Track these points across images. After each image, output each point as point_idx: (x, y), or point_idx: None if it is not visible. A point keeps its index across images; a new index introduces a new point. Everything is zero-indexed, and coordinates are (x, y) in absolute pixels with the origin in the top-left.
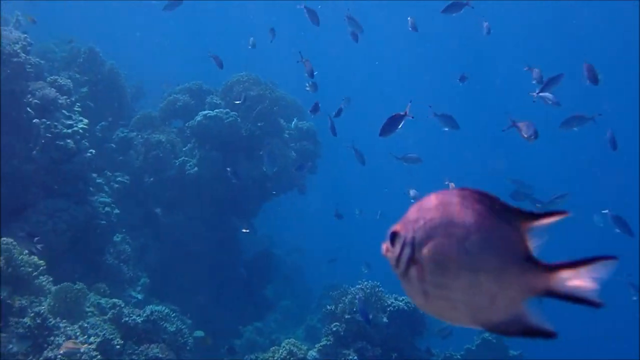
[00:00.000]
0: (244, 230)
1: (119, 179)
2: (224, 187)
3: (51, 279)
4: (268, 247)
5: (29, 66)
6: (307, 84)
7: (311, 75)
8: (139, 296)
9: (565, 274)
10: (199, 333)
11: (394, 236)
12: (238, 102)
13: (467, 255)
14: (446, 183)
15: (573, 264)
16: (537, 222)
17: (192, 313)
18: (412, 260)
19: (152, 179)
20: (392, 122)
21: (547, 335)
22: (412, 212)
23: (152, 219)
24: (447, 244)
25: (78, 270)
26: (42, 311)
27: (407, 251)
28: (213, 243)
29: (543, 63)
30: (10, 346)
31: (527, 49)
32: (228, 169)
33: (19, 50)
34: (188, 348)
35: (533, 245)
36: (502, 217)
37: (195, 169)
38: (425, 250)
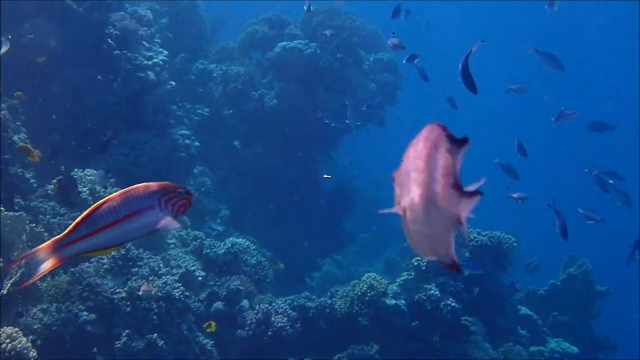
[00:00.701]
0: (326, 176)
1: (199, 111)
2: (302, 119)
3: None
4: (347, 179)
5: None
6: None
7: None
8: (220, 228)
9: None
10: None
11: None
12: (328, 33)
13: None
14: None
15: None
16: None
17: (272, 245)
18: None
19: (231, 112)
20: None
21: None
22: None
23: (231, 152)
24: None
25: None
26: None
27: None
28: (292, 175)
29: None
30: (105, 282)
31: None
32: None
33: None
34: (268, 280)
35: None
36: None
37: (275, 101)
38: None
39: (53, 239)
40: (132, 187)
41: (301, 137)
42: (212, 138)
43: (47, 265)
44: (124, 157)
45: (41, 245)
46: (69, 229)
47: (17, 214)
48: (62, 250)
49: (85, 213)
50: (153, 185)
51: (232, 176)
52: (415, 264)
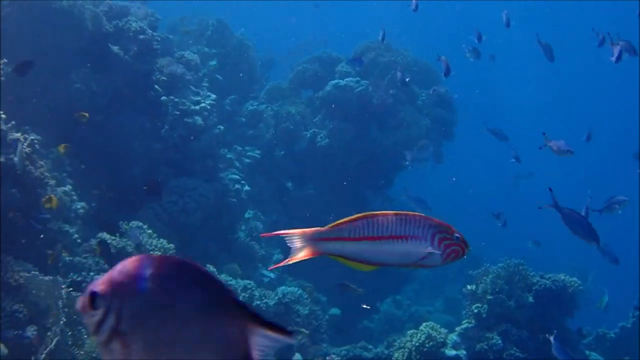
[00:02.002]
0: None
1: (250, 153)
2: (355, 158)
3: None
4: None
5: (156, 42)
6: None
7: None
8: (272, 275)
9: None
10: (335, 311)
11: (94, 296)
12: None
13: (182, 345)
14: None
15: None
16: (263, 330)
17: (327, 289)
18: (116, 331)
19: (282, 152)
20: None
21: None
22: (122, 271)
23: (284, 194)
24: (162, 327)
25: (211, 249)
26: None
27: (110, 321)
28: (345, 216)
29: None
30: None
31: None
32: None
33: (145, 27)
34: (322, 330)
35: (259, 344)
36: (225, 309)
37: (326, 140)
38: (134, 327)
39: (314, 228)
40: (409, 212)
41: (354, 176)
42: (263, 180)
43: (302, 252)
44: (172, 204)
45: (303, 229)
46: (331, 224)
47: (52, 278)
48: (318, 243)
49: (352, 217)
50: (432, 218)
51: (285, 219)
52: (476, 311)
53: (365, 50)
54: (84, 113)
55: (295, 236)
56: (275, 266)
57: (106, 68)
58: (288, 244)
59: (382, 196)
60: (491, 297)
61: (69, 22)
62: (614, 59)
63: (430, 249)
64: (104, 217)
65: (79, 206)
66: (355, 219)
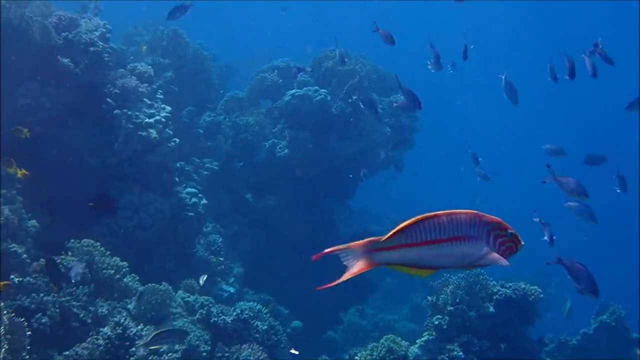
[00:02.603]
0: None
1: (208, 165)
2: (316, 168)
3: (137, 278)
4: (366, 226)
5: (107, 55)
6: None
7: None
8: (231, 289)
9: None
10: (297, 324)
11: None
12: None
13: None
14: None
15: None
16: None
17: (289, 302)
18: None
19: (241, 164)
20: None
21: None
22: None
23: (243, 206)
24: None
25: (168, 265)
26: (122, 320)
27: None
28: (308, 226)
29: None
30: None
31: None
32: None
33: (96, 39)
34: (282, 346)
35: None
36: None
37: (286, 150)
38: None
39: (368, 239)
40: (459, 210)
41: (315, 187)
42: (223, 193)
43: (356, 266)
44: (127, 220)
45: (354, 243)
46: (388, 234)
47: None
48: (373, 255)
49: (407, 222)
50: (485, 216)
51: (245, 231)
52: (436, 322)
53: (323, 59)
54: (21, 128)
55: (349, 250)
56: (330, 284)
57: (56, 81)
58: (342, 260)
59: (344, 206)
60: (452, 308)
61: (16, 34)
62: (591, 72)
63: (486, 249)
64: (56, 235)
65: (29, 224)
66: (412, 224)
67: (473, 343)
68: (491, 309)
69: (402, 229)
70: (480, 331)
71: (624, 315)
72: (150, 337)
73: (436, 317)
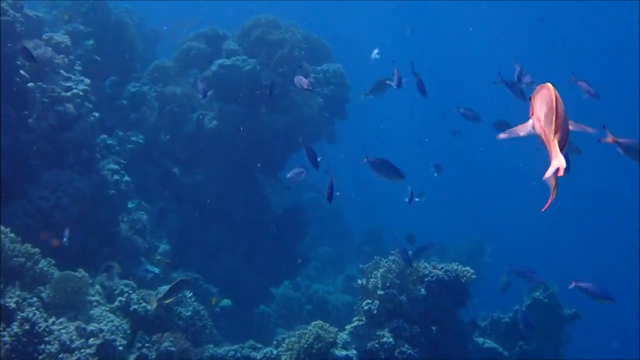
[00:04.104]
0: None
1: (133, 138)
2: (245, 141)
3: (53, 262)
4: (298, 201)
5: (19, 24)
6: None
7: None
8: (156, 270)
9: None
10: (226, 302)
11: None
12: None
13: None
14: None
15: None
16: None
17: (218, 279)
18: None
19: (168, 137)
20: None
21: None
22: None
23: (171, 180)
24: None
25: (90, 245)
26: (30, 315)
27: None
28: (238, 201)
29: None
30: None
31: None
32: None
33: (7, 8)
34: (207, 331)
35: None
36: None
37: (214, 122)
38: None
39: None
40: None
41: (245, 160)
42: (149, 167)
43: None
44: (43, 200)
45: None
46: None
47: None
48: None
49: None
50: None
51: (172, 206)
52: (366, 307)
53: (252, 27)
54: None
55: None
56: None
57: None
58: None
59: (274, 179)
60: (382, 293)
61: None
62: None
63: None
64: None
65: None
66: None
67: (404, 328)
68: (423, 292)
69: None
70: (411, 315)
71: (557, 292)
72: (164, 292)
73: (366, 301)
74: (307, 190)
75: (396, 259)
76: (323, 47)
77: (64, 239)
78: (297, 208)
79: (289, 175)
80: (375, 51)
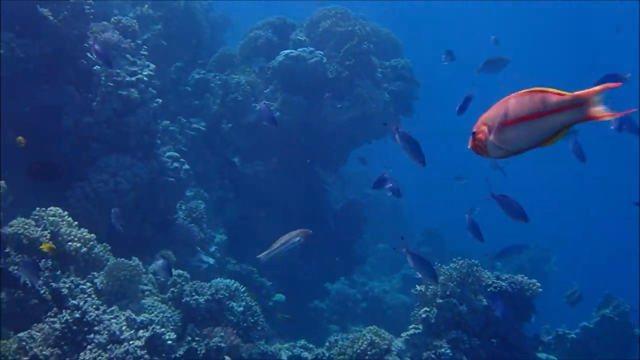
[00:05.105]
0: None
1: (195, 125)
2: (308, 134)
3: (109, 247)
4: (358, 197)
5: (88, 6)
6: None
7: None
8: (211, 260)
9: None
10: (279, 297)
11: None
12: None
13: None
14: None
15: None
16: None
17: (274, 272)
18: None
19: (230, 125)
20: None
21: None
22: None
23: (230, 169)
24: None
25: (146, 232)
26: (81, 304)
27: None
28: (297, 194)
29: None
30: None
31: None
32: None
33: None
34: (259, 328)
35: None
36: None
37: (277, 113)
38: None
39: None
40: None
41: (306, 153)
42: (209, 155)
43: None
44: (103, 184)
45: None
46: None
47: None
48: None
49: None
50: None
51: (230, 196)
52: (424, 315)
53: (321, 18)
54: (21, 138)
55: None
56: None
57: (34, 32)
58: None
59: (335, 174)
60: (441, 301)
61: None
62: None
63: None
64: (27, 199)
65: None
66: None
67: (463, 340)
68: (484, 303)
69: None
70: (471, 327)
71: (628, 310)
72: (273, 249)
73: (424, 309)
74: (367, 185)
75: (457, 266)
76: (393, 41)
77: (118, 224)
78: (357, 204)
79: (389, 186)
80: (493, 37)
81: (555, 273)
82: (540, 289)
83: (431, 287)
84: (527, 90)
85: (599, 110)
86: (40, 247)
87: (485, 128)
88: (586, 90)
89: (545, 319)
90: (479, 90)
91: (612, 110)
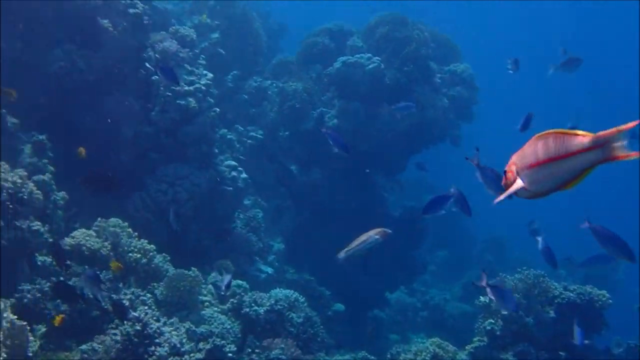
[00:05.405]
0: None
1: (252, 133)
2: (366, 141)
3: (168, 258)
4: (419, 198)
5: (147, 17)
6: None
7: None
8: (269, 270)
9: None
10: (339, 307)
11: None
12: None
13: None
14: None
15: None
16: None
17: (333, 281)
18: None
19: (287, 133)
20: None
21: None
22: None
23: (288, 178)
24: None
25: (204, 241)
26: (142, 316)
27: None
28: (355, 202)
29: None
30: None
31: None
32: None
33: (136, 0)
34: (319, 339)
35: None
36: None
37: (335, 120)
38: None
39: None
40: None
41: (364, 160)
42: (266, 163)
43: None
44: (161, 194)
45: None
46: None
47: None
48: None
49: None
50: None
51: (288, 205)
52: (489, 327)
53: (378, 24)
54: (81, 149)
55: None
56: None
57: (94, 44)
58: None
59: (394, 181)
60: (506, 313)
61: None
62: None
63: None
64: (88, 208)
65: (58, 197)
66: None
67: (530, 353)
68: (552, 315)
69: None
70: (538, 339)
71: None
72: (352, 247)
73: (488, 321)
74: (426, 192)
75: (523, 277)
76: (452, 46)
77: (175, 223)
78: (416, 211)
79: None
80: (562, 49)
81: (623, 281)
82: (610, 300)
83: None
84: (550, 131)
85: (621, 149)
86: (110, 264)
87: (514, 168)
88: (607, 131)
89: (615, 330)
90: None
91: (633, 148)
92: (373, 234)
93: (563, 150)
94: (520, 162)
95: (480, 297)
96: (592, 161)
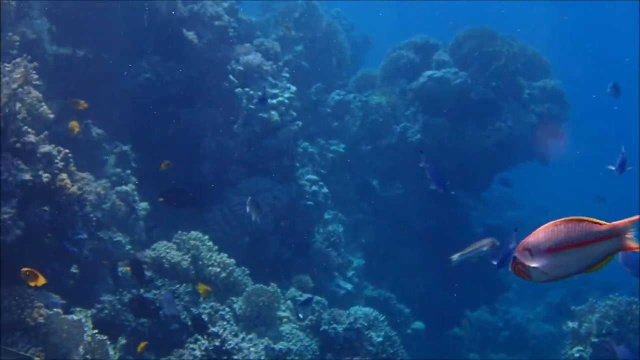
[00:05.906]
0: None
1: (334, 147)
2: (450, 157)
3: (248, 271)
4: (502, 214)
5: (232, 30)
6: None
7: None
8: (349, 286)
9: None
10: (418, 325)
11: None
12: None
13: None
14: None
15: None
16: None
17: (412, 298)
18: None
19: (369, 147)
20: None
21: None
22: None
23: (369, 192)
24: None
25: (284, 255)
26: (220, 332)
27: None
28: (437, 218)
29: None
30: None
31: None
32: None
33: (222, 12)
34: (398, 359)
35: None
36: None
37: (418, 136)
38: None
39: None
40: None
41: (448, 177)
42: (347, 177)
43: None
44: (242, 207)
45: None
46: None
47: (77, 319)
48: None
49: None
50: None
51: (369, 220)
52: (577, 355)
53: (466, 38)
54: (167, 162)
55: None
56: None
57: (179, 56)
58: None
59: (477, 199)
60: (596, 340)
61: (140, 3)
62: None
63: None
64: (170, 220)
65: (140, 207)
66: None
67: None
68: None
69: None
70: None
71: None
72: (465, 252)
73: (577, 348)
74: (510, 209)
75: (614, 303)
76: (541, 61)
77: (255, 214)
78: (499, 229)
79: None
80: (611, 84)
81: None
82: None
83: (586, 324)
84: (566, 218)
85: (632, 241)
86: (197, 287)
87: (527, 253)
88: (622, 221)
89: None
90: None
91: None
92: (484, 243)
93: (583, 236)
94: (535, 247)
95: (569, 322)
96: (612, 249)
